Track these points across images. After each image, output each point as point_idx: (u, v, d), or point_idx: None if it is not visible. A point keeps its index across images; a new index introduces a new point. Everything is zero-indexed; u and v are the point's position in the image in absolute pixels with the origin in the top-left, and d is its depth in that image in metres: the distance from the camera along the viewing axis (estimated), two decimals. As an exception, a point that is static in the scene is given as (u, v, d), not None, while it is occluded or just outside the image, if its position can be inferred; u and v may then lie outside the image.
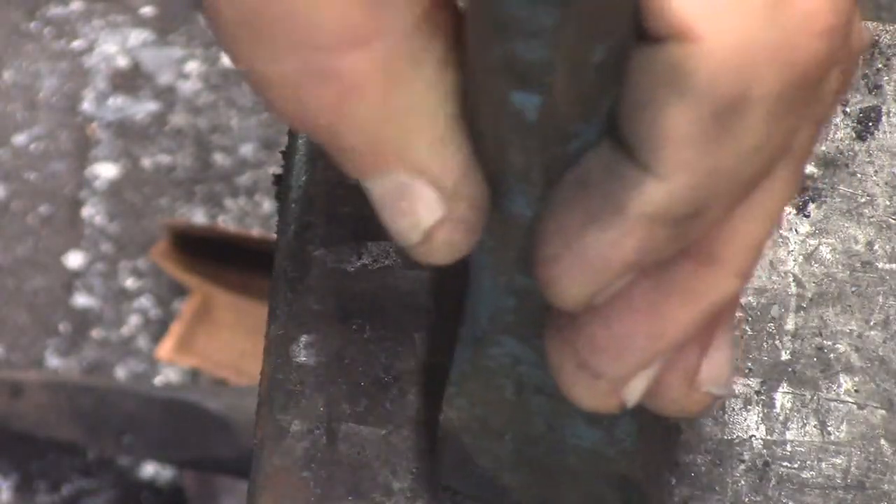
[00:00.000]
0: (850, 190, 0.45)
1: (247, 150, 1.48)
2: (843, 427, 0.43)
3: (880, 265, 0.45)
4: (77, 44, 1.53)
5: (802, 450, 0.43)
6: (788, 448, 0.43)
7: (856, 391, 0.43)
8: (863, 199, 0.45)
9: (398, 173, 0.33)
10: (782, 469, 0.43)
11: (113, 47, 1.53)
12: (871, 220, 0.45)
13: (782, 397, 0.43)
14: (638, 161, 0.30)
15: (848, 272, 0.45)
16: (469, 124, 0.32)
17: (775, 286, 0.44)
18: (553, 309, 0.34)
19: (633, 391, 0.34)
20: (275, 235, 0.45)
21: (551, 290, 0.33)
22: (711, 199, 0.31)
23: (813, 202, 0.45)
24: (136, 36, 1.53)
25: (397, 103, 0.32)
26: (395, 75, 0.31)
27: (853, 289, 0.44)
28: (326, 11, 0.30)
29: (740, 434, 0.43)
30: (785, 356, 0.44)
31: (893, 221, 0.45)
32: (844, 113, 0.46)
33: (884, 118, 0.46)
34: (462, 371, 0.39)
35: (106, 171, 1.47)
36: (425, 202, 0.33)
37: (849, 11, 0.30)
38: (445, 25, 0.31)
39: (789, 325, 0.44)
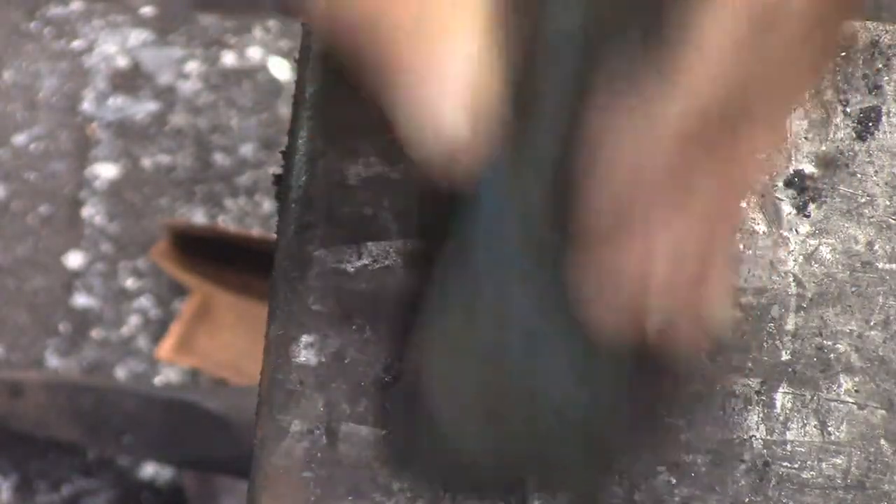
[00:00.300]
0: (851, 190, 0.45)
1: (247, 150, 1.48)
2: (843, 427, 0.43)
3: (880, 265, 0.45)
4: (77, 44, 1.53)
5: (802, 450, 0.43)
6: (788, 448, 0.43)
7: (856, 391, 0.43)
8: (863, 200, 0.45)
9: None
10: (782, 469, 0.43)
11: (113, 47, 1.53)
12: (871, 220, 0.45)
13: (782, 397, 0.43)
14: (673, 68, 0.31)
15: (848, 272, 0.44)
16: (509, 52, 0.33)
17: (775, 286, 0.44)
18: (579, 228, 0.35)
19: (655, 319, 0.35)
20: (275, 235, 0.45)
21: (590, 207, 0.34)
22: (727, 102, 0.32)
23: (813, 202, 0.45)
24: (136, 36, 1.53)
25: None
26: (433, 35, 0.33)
27: (853, 289, 0.44)
28: None
29: (740, 434, 0.43)
30: (785, 356, 0.44)
31: (893, 221, 0.45)
32: (844, 113, 0.46)
33: (884, 118, 0.46)
34: (446, 306, 0.39)
35: (106, 171, 1.47)
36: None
37: None
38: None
39: (789, 325, 0.44)
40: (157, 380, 1.37)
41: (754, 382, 0.43)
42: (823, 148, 0.45)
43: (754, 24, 0.30)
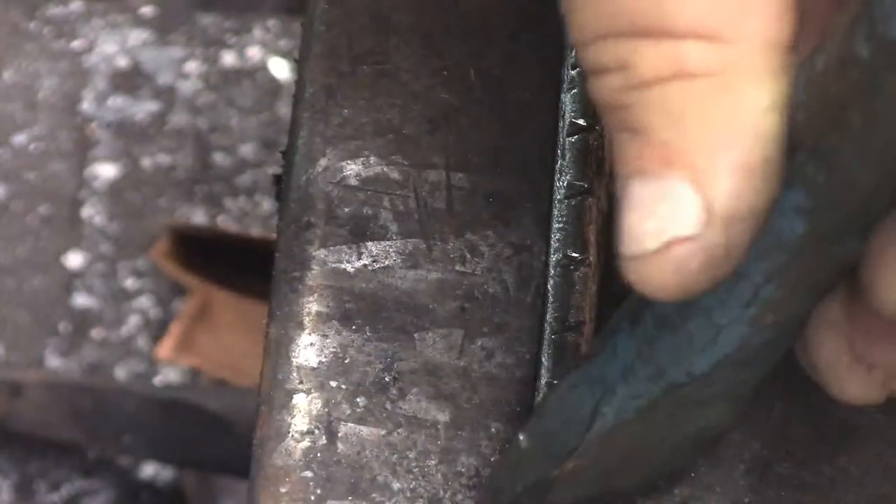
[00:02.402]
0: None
1: (247, 150, 1.48)
2: (843, 428, 0.43)
3: (880, 265, 0.45)
4: (77, 44, 1.53)
5: (802, 450, 0.43)
6: (788, 448, 0.43)
7: (856, 391, 0.43)
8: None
9: (678, 180, 0.31)
10: (782, 469, 0.43)
11: (113, 47, 1.53)
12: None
13: (782, 397, 0.43)
14: None
15: (848, 272, 0.45)
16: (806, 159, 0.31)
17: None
18: (826, 308, 0.33)
19: None
20: (275, 235, 0.45)
21: (880, 297, 0.32)
22: None
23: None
24: (136, 36, 1.53)
25: (721, 110, 0.31)
26: (733, 82, 0.31)
27: (853, 289, 0.44)
28: (690, 4, 0.30)
29: (740, 434, 0.43)
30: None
31: (893, 221, 0.45)
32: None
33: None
34: (619, 423, 0.38)
35: (106, 171, 1.47)
36: (686, 213, 0.31)
37: None
38: (798, 57, 0.31)
39: (789, 325, 0.44)
40: (157, 380, 1.37)
41: (754, 382, 0.43)
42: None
43: None
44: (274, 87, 1.51)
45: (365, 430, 0.42)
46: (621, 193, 0.32)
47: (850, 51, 0.29)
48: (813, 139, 0.30)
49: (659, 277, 0.32)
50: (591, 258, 0.43)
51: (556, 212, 0.44)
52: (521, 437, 0.40)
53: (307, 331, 0.43)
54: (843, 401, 0.36)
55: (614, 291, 0.39)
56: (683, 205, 0.31)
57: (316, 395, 0.43)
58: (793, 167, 0.31)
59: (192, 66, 1.52)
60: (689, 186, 0.31)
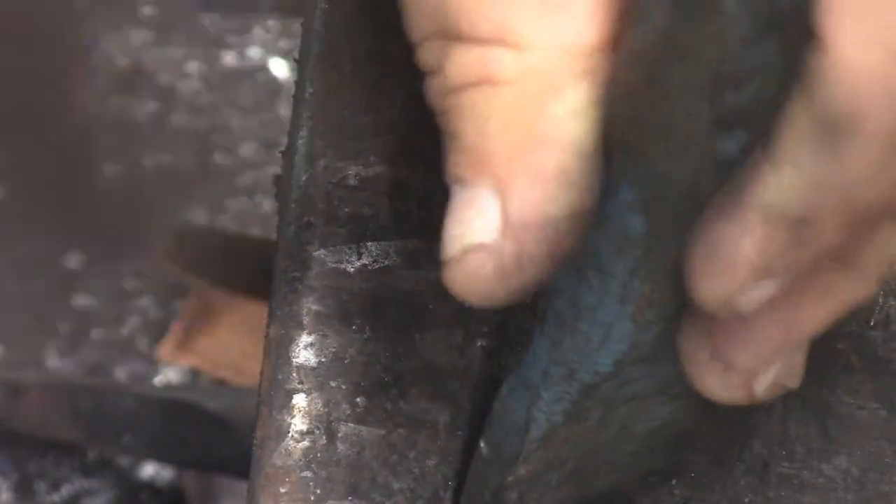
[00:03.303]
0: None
1: (247, 150, 1.48)
2: (843, 427, 0.43)
3: (880, 265, 0.45)
4: (77, 44, 1.53)
5: (802, 450, 0.43)
6: (788, 448, 0.43)
7: (856, 391, 0.43)
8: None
9: (482, 187, 0.31)
10: (782, 469, 0.43)
11: (113, 47, 1.53)
12: (872, 220, 0.45)
13: (782, 397, 0.43)
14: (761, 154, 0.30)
15: (848, 272, 0.45)
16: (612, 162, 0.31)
17: (775, 286, 0.44)
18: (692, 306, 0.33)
19: (763, 382, 0.35)
20: (275, 235, 0.45)
21: (694, 291, 0.32)
22: (823, 211, 0.30)
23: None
24: (136, 36, 1.53)
25: (521, 117, 0.31)
26: (534, 89, 0.31)
27: (853, 289, 0.44)
28: (491, 6, 0.30)
29: (740, 434, 0.43)
30: (785, 356, 0.44)
31: (893, 221, 0.45)
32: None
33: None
34: (550, 426, 0.38)
35: (105, 171, 1.47)
36: (486, 220, 0.32)
37: None
38: (604, 65, 0.30)
39: (789, 325, 0.44)
40: (157, 380, 1.37)
41: (754, 382, 0.43)
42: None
43: (831, 127, 0.28)
44: (274, 87, 1.51)
45: (365, 430, 0.42)
46: (448, 198, 0.33)
47: (632, 44, 0.29)
48: (625, 137, 0.30)
49: (459, 283, 0.32)
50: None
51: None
52: (482, 444, 0.40)
53: (307, 331, 0.43)
54: (709, 398, 0.35)
55: None
56: (484, 212, 0.31)
57: (316, 395, 0.43)
58: (617, 166, 0.31)
59: (192, 66, 1.52)
60: (491, 194, 0.31)
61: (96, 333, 1.40)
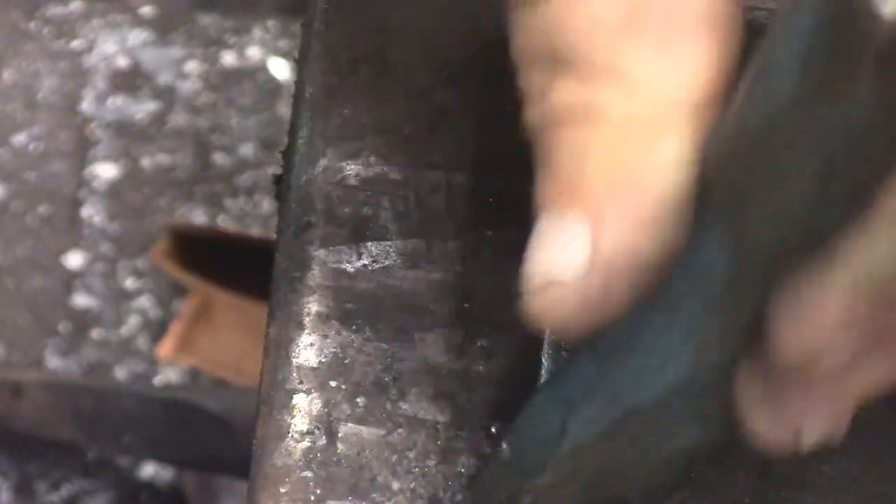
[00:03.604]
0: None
1: (247, 150, 1.48)
2: (843, 427, 0.43)
3: (880, 265, 0.45)
4: (77, 44, 1.53)
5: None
6: (788, 448, 0.43)
7: (856, 391, 0.43)
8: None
9: (573, 221, 0.31)
10: (782, 469, 0.43)
11: (113, 47, 1.53)
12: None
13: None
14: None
15: (848, 272, 0.45)
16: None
17: (775, 286, 0.44)
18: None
19: (812, 434, 0.34)
20: (275, 235, 0.45)
21: (779, 347, 0.32)
22: None
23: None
24: (136, 36, 1.53)
25: (624, 158, 0.30)
26: (641, 133, 0.30)
27: (853, 289, 0.44)
28: (607, 43, 0.30)
29: (740, 434, 0.43)
30: (785, 356, 0.44)
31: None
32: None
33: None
34: (584, 441, 0.38)
35: (105, 171, 1.47)
36: (573, 254, 0.31)
37: None
38: (711, 116, 0.30)
39: (789, 325, 0.44)
40: (157, 380, 1.37)
41: (754, 382, 0.43)
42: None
43: None
44: (274, 87, 1.51)
45: (365, 430, 0.42)
46: (536, 227, 0.33)
47: (746, 114, 0.29)
48: (720, 196, 0.30)
49: (542, 312, 0.32)
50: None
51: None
52: (505, 446, 0.40)
53: (307, 331, 0.43)
54: (757, 441, 0.35)
55: None
56: (573, 246, 0.31)
57: (316, 395, 0.43)
58: (710, 211, 0.31)
59: (192, 66, 1.52)
60: (583, 229, 0.31)
61: (96, 333, 1.40)
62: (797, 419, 0.34)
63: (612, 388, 0.36)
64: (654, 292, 0.33)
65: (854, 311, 0.30)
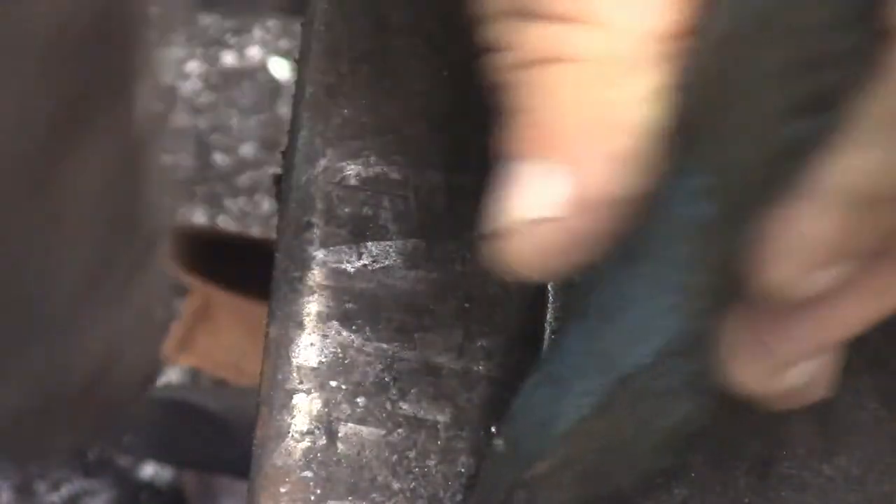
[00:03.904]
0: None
1: (247, 150, 1.48)
2: (843, 427, 0.43)
3: (880, 265, 0.45)
4: (77, 44, 1.53)
5: (802, 450, 0.43)
6: (788, 448, 0.43)
7: (856, 391, 0.43)
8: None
9: (552, 162, 0.32)
10: (782, 469, 0.43)
11: (113, 47, 1.53)
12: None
13: (782, 397, 0.43)
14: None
15: (848, 272, 0.45)
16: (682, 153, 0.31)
17: (775, 286, 0.44)
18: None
19: (796, 378, 0.35)
20: (275, 235, 0.45)
21: (760, 276, 0.32)
22: (893, 195, 0.30)
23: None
24: (136, 36, 1.53)
25: (598, 97, 0.31)
26: (612, 70, 0.31)
27: (853, 289, 0.44)
28: None
29: (740, 434, 0.43)
30: (785, 356, 0.44)
31: (893, 221, 0.45)
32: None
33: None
34: (578, 419, 0.38)
35: (106, 171, 1.47)
36: (555, 195, 0.32)
37: None
38: (680, 51, 0.31)
39: (789, 325, 0.44)
40: (157, 380, 1.37)
41: (754, 382, 0.43)
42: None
43: None
44: (274, 87, 1.51)
45: (365, 430, 0.42)
46: (504, 171, 0.33)
47: (718, 26, 0.29)
48: (700, 123, 0.31)
49: (521, 255, 0.33)
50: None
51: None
52: (498, 441, 0.40)
53: (307, 331, 0.43)
54: (738, 389, 0.35)
55: None
56: (554, 187, 0.32)
57: (316, 395, 0.43)
58: (688, 151, 0.31)
59: (192, 66, 1.52)
60: (562, 169, 0.31)
61: (96, 333, 1.40)
62: (783, 361, 0.34)
63: (602, 357, 0.36)
64: (639, 244, 0.33)
65: (840, 226, 0.31)
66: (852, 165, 0.30)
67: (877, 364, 0.44)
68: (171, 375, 1.38)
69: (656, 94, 0.31)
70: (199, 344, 1.30)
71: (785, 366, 0.35)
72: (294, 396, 0.43)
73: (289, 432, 0.42)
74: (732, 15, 0.29)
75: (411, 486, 0.42)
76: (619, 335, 0.36)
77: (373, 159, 0.45)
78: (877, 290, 0.33)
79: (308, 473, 0.42)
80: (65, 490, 1.33)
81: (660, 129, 0.31)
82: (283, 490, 0.42)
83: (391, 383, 0.43)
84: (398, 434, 0.43)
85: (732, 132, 0.30)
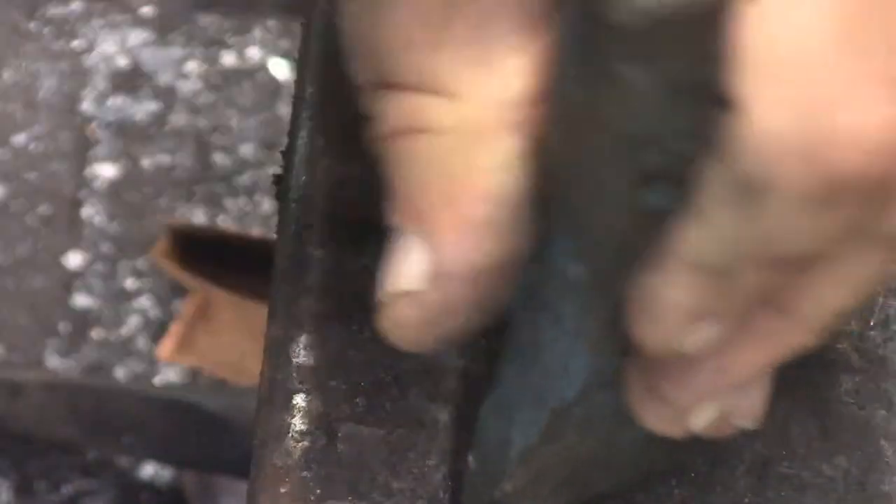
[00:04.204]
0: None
1: (247, 150, 1.48)
2: (843, 427, 0.43)
3: (880, 265, 0.45)
4: (77, 44, 1.53)
5: (802, 450, 0.43)
6: (788, 448, 0.43)
7: (856, 391, 0.43)
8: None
9: (413, 235, 0.32)
10: (782, 469, 0.43)
11: (113, 47, 1.53)
12: (872, 220, 0.45)
13: (783, 397, 0.43)
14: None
15: (848, 272, 0.44)
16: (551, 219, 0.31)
17: (775, 286, 0.44)
18: None
19: (699, 420, 0.35)
20: (275, 235, 0.45)
21: (635, 336, 0.32)
22: (742, 262, 0.30)
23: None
24: (136, 36, 1.53)
25: (452, 167, 0.31)
26: (465, 140, 0.31)
27: (853, 289, 0.44)
28: (421, 54, 0.30)
29: (740, 434, 0.43)
30: (785, 356, 0.44)
31: (893, 221, 0.45)
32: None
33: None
34: (527, 447, 0.38)
35: (106, 171, 1.47)
36: (415, 268, 0.32)
37: None
38: (535, 117, 0.31)
39: (789, 325, 0.44)
40: (157, 380, 1.37)
41: (754, 382, 0.43)
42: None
43: (744, 190, 0.28)
44: (274, 87, 1.51)
45: (365, 430, 0.42)
46: (390, 242, 0.33)
47: (553, 105, 0.29)
48: (560, 188, 0.31)
49: (389, 329, 0.33)
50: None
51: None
52: (470, 458, 0.40)
53: (307, 331, 0.43)
54: (650, 428, 0.35)
55: None
56: (413, 260, 0.32)
57: (316, 395, 0.43)
58: (553, 216, 0.31)
59: (192, 66, 1.52)
60: (420, 242, 0.32)
61: (96, 333, 1.40)
62: (680, 408, 0.34)
63: (532, 391, 0.37)
64: (534, 299, 0.33)
65: (696, 292, 0.30)
66: (699, 236, 0.30)
67: (877, 364, 0.44)
68: (171, 375, 1.38)
69: (512, 161, 0.31)
70: (199, 344, 1.30)
71: (684, 411, 0.34)
72: (294, 396, 0.42)
73: (289, 432, 0.42)
74: (561, 97, 0.29)
75: (411, 486, 0.42)
76: (541, 373, 0.36)
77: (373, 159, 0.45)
78: (763, 339, 0.33)
79: (308, 473, 0.42)
80: (65, 490, 1.33)
81: (521, 194, 0.31)
82: (283, 490, 0.42)
83: (391, 383, 0.43)
84: (398, 434, 0.43)
85: (588, 199, 0.30)
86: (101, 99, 1.50)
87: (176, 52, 1.53)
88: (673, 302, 0.31)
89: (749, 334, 0.33)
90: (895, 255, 0.31)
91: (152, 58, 1.52)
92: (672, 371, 0.34)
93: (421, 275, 0.32)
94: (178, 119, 1.49)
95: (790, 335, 0.33)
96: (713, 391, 0.34)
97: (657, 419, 0.35)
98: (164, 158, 1.47)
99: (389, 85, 0.32)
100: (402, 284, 0.32)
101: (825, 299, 0.32)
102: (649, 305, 0.31)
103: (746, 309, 0.31)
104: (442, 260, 0.32)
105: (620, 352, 0.34)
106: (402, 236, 0.32)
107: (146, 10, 1.54)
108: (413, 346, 0.33)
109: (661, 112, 0.28)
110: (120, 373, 1.38)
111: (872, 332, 0.44)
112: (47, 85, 1.51)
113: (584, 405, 0.36)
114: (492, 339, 0.42)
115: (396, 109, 0.32)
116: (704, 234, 0.30)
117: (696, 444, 0.42)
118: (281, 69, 1.52)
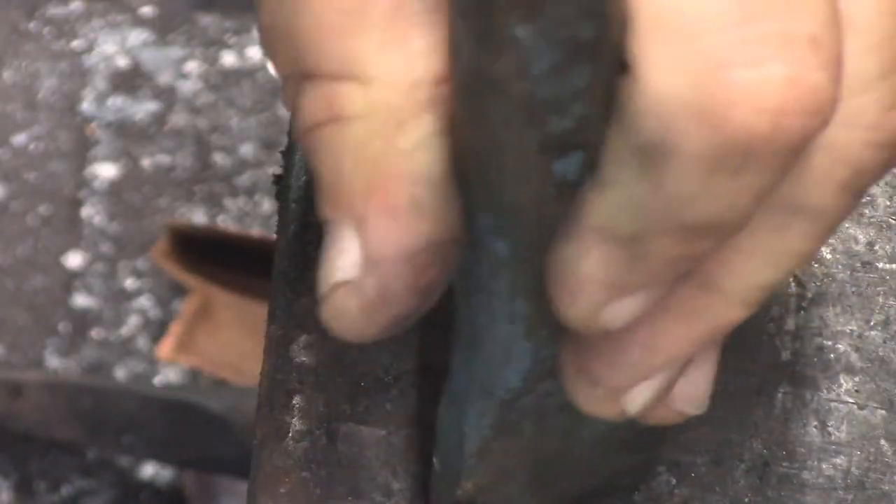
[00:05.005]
0: (850, 190, 0.45)
1: (247, 150, 1.48)
2: (843, 427, 0.43)
3: (880, 265, 0.45)
4: (77, 44, 1.53)
5: (802, 450, 0.43)
6: (788, 448, 0.43)
7: (856, 391, 0.43)
8: (863, 199, 0.45)
9: (342, 224, 0.32)
10: (782, 469, 0.43)
11: (112, 47, 1.53)
12: (872, 220, 0.45)
13: (782, 397, 0.43)
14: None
15: (848, 272, 0.45)
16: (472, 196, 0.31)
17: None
18: None
19: (633, 401, 0.34)
20: (275, 235, 0.45)
21: (557, 312, 0.32)
22: (652, 229, 0.30)
23: (813, 202, 0.45)
24: (136, 36, 1.53)
25: (371, 152, 0.31)
26: (380, 123, 0.31)
27: (853, 289, 0.44)
28: (335, 41, 0.30)
29: (740, 434, 0.43)
30: (785, 356, 0.44)
31: (893, 221, 0.45)
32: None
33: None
34: (481, 440, 0.38)
35: (105, 171, 1.47)
36: (348, 257, 0.32)
37: (814, 98, 0.28)
38: (445, 97, 0.31)
39: (789, 325, 0.44)
40: (157, 380, 1.37)
41: (754, 382, 0.43)
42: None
43: (645, 153, 0.28)
44: (274, 87, 1.51)
45: (365, 430, 0.42)
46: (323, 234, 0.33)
47: (453, 78, 0.29)
48: (472, 165, 0.30)
49: (329, 321, 0.33)
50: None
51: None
52: (434, 459, 0.40)
53: (307, 331, 0.43)
54: (587, 412, 0.35)
55: None
56: (346, 250, 0.32)
57: (316, 395, 0.43)
58: (471, 194, 0.31)
59: (192, 66, 1.52)
60: (351, 231, 0.32)
61: (96, 333, 1.40)
62: (613, 387, 0.34)
63: (479, 381, 0.36)
64: (469, 280, 0.33)
65: (610, 263, 0.30)
66: (607, 203, 0.29)
67: (877, 364, 0.44)
68: (171, 375, 1.38)
69: (430, 141, 0.31)
70: (199, 344, 1.30)
71: (616, 391, 0.34)
72: (294, 396, 0.43)
73: (289, 432, 0.42)
74: (459, 67, 0.29)
75: (411, 486, 0.42)
76: (484, 362, 0.36)
77: (373, 159, 0.45)
78: (689, 314, 0.32)
79: (308, 473, 0.42)
80: (65, 490, 1.33)
81: (442, 173, 0.31)
82: (283, 490, 0.42)
83: (391, 383, 0.43)
84: (398, 434, 0.43)
85: (500, 171, 0.30)
86: (101, 99, 1.50)
87: (176, 52, 1.53)
88: (588, 273, 0.30)
89: (675, 310, 0.32)
90: (818, 228, 0.31)
91: (152, 58, 1.52)
92: (601, 350, 0.33)
93: (356, 263, 0.32)
94: (178, 119, 1.49)
95: (716, 310, 0.32)
96: (644, 370, 0.33)
97: (590, 400, 0.34)
98: (164, 158, 1.48)
99: (307, 75, 0.31)
100: (338, 275, 0.32)
101: (747, 274, 0.32)
102: (565, 278, 0.31)
103: (668, 283, 0.31)
104: (374, 246, 0.31)
105: (557, 336, 0.34)
106: (333, 227, 0.32)
107: (146, 10, 1.54)
108: (357, 335, 0.33)
109: (557, 75, 0.27)
110: (120, 373, 1.38)
111: (872, 332, 0.44)
112: (47, 85, 1.51)
113: (533, 395, 0.36)
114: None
115: (314, 100, 0.31)
116: (612, 201, 0.29)
117: (697, 443, 0.42)
118: (281, 69, 1.52)
